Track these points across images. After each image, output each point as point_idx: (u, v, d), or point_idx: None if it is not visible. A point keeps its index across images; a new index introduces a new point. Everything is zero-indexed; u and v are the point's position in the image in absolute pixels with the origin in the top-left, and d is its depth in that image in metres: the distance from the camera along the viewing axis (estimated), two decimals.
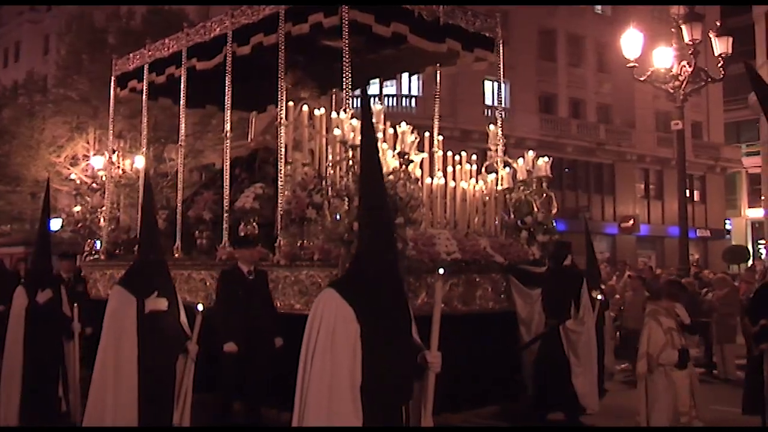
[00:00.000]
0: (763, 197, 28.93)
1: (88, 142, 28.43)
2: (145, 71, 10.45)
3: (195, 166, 28.70)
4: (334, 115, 8.48)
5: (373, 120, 4.90)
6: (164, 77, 10.08)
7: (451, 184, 8.73)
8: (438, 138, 9.26)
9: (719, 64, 14.97)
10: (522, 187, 8.74)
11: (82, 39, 28.73)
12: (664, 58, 15.23)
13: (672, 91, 15.38)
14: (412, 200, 7.45)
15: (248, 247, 7.74)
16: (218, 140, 27.10)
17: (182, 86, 9.77)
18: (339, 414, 3.96)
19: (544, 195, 8.74)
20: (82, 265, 10.45)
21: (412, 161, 7.69)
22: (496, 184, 8.91)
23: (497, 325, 8.23)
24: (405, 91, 30.58)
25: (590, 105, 36.17)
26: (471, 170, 8.94)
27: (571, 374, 8.05)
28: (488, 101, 30.90)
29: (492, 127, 9.10)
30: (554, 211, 8.76)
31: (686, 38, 14.93)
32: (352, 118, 7.62)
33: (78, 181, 22.42)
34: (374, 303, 4.07)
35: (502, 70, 9.31)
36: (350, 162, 7.49)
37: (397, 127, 7.73)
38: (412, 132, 7.59)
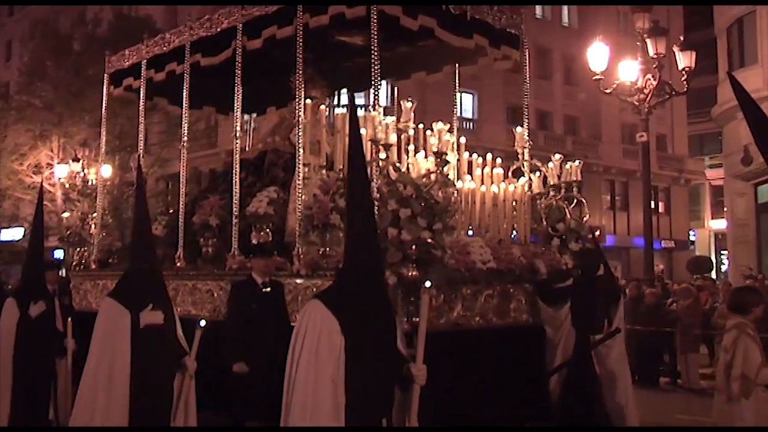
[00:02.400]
0: (725, 209, 28.96)
1: (52, 150, 27.36)
2: (142, 68, 9.56)
3: (162, 175, 27.80)
4: (353, 113, 7.80)
5: (360, 127, 4.79)
6: (164, 74, 9.21)
7: (482, 188, 8.03)
8: (461, 140, 8.58)
9: (683, 78, 15.17)
10: (553, 193, 8.10)
11: (46, 45, 27.73)
12: (630, 72, 15.38)
13: (637, 103, 15.48)
14: (450, 205, 6.78)
15: (264, 256, 6.96)
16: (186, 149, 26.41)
17: (185, 83, 8.91)
18: (322, 426, 3.94)
19: (575, 201, 8.13)
20: (72, 276, 9.52)
21: (448, 162, 7.00)
22: (527, 189, 8.25)
23: (531, 339, 7.57)
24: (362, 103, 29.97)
25: (557, 117, 35.94)
26: (499, 174, 8.27)
27: (602, 390, 7.42)
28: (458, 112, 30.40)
29: (519, 129, 8.46)
30: (586, 218, 8.15)
31: (651, 52, 15.14)
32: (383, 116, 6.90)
33: (67, 185, 21.35)
34: (360, 315, 4.02)
35: (527, 69, 8.70)
36: (381, 163, 6.77)
37: (433, 125, 7.02)
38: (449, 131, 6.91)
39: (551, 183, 8.10)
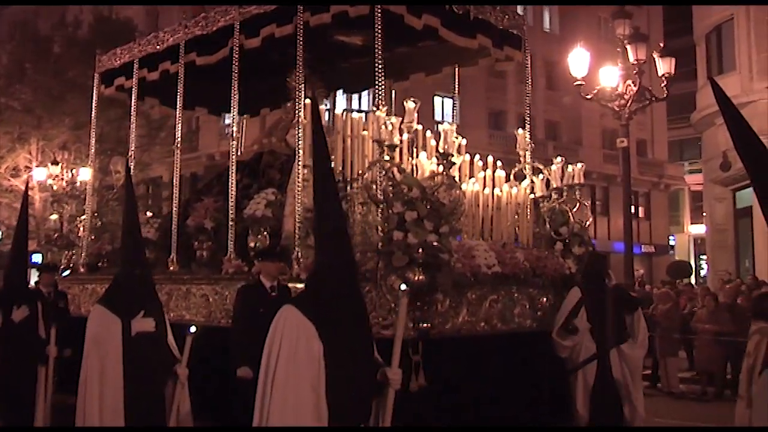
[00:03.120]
0: (704, 214, 29.10)
1: (30, 153, 26.87)
2: (135, 67, 9.27)
3: (142, 179, 27.41)
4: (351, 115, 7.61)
5: (324, 128, 4.45)
6: (157, 73, 8.93)
7: (485, 191, 7.84)
8: (462, 142, 8.40)
9: (663, 84, 15.17)
10: (556, 196, 7.93)
11: (26, 47, 27.21)
12: (610, 78, 15.30)
13: (618, 109, 15.47)
14: (457, 207, 6.58)
15: (272, 259, 6.74)
16: (167, 153, 26.03)
17: (180, 83, 8.64)
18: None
19: (578, 204, 7.97)
20: (59, 280, 9.22)
21: (454, 163, 6.81)
22: (529, 192, 8.07)
23: (535, 345, 7.39)
24: (355, 105, 29.78)
25: (539, 122, 35.87)
26: (501, 177, 8.08)
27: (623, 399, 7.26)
28: (437, 117, 30.36)
29: (520, 131, 8.30)
30: (588, 221, 7.99)
31: (631, 58, 15.08)
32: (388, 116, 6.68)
33: (55, 187, 20.94)
34: (335, 320, 3.90)
35: (529, 70, 8.55)
36: (386, 164, 6.55)
37: (439, 125, 6.82)
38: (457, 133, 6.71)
39: (554, 186, 7.93)
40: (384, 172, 6.55)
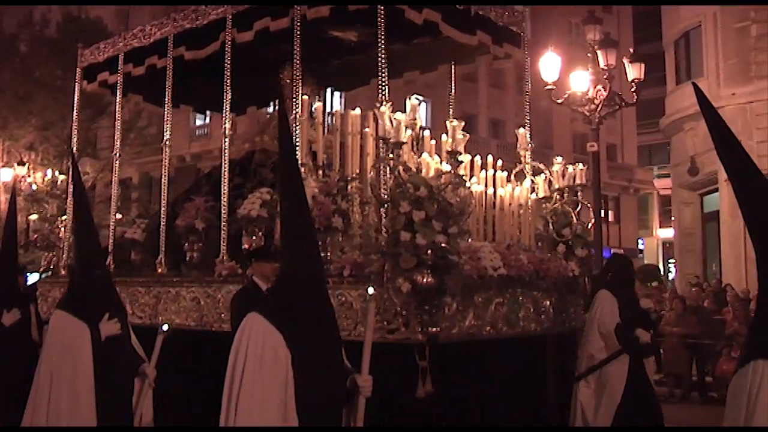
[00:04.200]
0: (673, 218, 29.24)
1: None
2: (120, 62, 8.83)
3: (111, 179, 26.77)
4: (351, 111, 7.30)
5: (290, 128, 4.71)
6: (143, 68, 8.51)
7: (489, 191, 7.56)
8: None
9: (632, 89, 15.16)
10: (559, 196, 7.69)
11: None
12: (581, 82, 15.25)
13: (588, 114, 15.40)
14: (465, 207, 6.30)
15: (267, 260, 6.35)
16: (135, 154, 25.51)
17: (168, 78, 8.24)
18: None
19: (580, 206, 7.74)
20: (39, 283, 8.75)
21: (461, 162, 6.53)
22: (531, 193, 7.82)
23: (540, 349, 7.16)
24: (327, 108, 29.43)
25: (510, 126, 35.76)
26: (503, 177, 7.82)
27: None
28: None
29: (521, 130, 8.05)
30: (591, 223, 7.77)
31: (602, 63, 15.06)
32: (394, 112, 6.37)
33: (34, 187, 20.33)
34: (303, 327, 3.76)
35: (529, 67, 8.31)
36: (392, 162, 6.23)
37: (448, 122, 6.54)
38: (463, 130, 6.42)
39: (557, 186, 7.69)
40: (389, 171, 6.23)
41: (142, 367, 5.51)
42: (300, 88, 7.24)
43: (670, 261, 38.83)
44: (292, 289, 3.84)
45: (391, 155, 6.21)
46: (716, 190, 22.89)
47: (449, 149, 6.24)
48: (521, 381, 6.74)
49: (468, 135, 6.38)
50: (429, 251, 5.83)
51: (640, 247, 41.24)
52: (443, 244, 5.88)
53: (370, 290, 4.34)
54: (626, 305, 6.90)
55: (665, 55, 25.70)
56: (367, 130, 7.07)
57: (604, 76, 15.15)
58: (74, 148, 9.36)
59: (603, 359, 6.86)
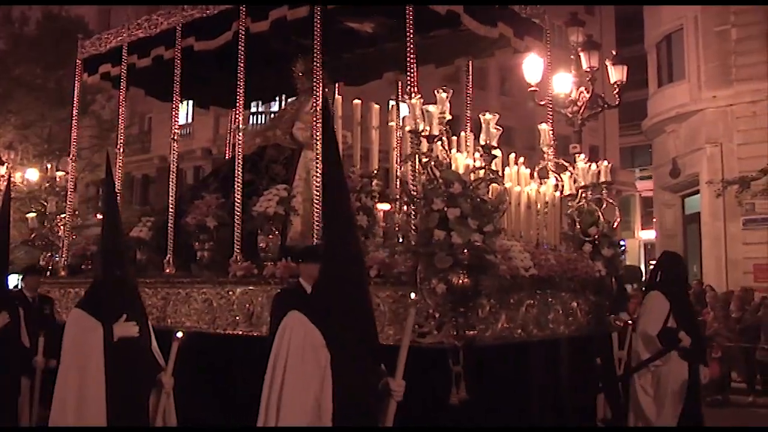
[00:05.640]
0: (654, 219, 29.23)
1: None
2: (124, 53, 8.34)
3: (92, 180, 26.23)
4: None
5: (335, 124, 4.41)
6: (149, 60, 8.04)
7: (516, 188, 7.20)
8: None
9: (615, 92, 15.01)
10: (584, 195, 7.36)
11: None
12: (564, 84, 15.09)
13: (570, 115, 15.24)
14: (500, 204, 5.95)
15: (316, 261, 5.91)
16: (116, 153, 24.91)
17: (177, 69, 7.77)
18: None
19: (605, 204, 7.42)
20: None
21: (496, 156, 6.17)
22: (555, 190, 7.47)
23: (570, 352, 6.81)
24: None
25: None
26: (526, 174, 7.47)
27: None
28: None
29: (544, 126, 7.72)
30: (617, 222, 7.46)
31: (584, 66, 14.89)
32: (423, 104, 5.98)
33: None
34: (343, 327, 3.69)
35: (548, 61, 8.00)
36: (425, 157, 5.85)
37: (481, 116, 6.17)
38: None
39: (582, 184, 7.36)
40: (421, 166, 5.84)
41: (159, 375, 5.30)
42: (320, 80, 6.81)
43: (651, 263, 38.83)
44: (334, 289, 3.74)
45: (423, 149, 5.82)
46: (697, 192, 22.90)
47: (483, 143, 5.84)
48: (555, 385, 6.40)
49: (501, 129, 5.98)
50: (465, 251, 5.47)
51: (622, 248, 41.05)
52: (479, 243, 5.53)
53: (413, 295, 4.32)
54: (678, 308, 6.56)
55: (647, 58, 25.65)
56: (391, 123, 6.68)
57: (587, 79, 14.95)
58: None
59: (647, 358, 6.53)
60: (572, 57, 15.56)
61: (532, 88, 14.69)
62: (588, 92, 15.12)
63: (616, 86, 15.17)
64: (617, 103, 15.66)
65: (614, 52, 16.09)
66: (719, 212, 21.64)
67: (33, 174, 23.01)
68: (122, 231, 5.92)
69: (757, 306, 15.18)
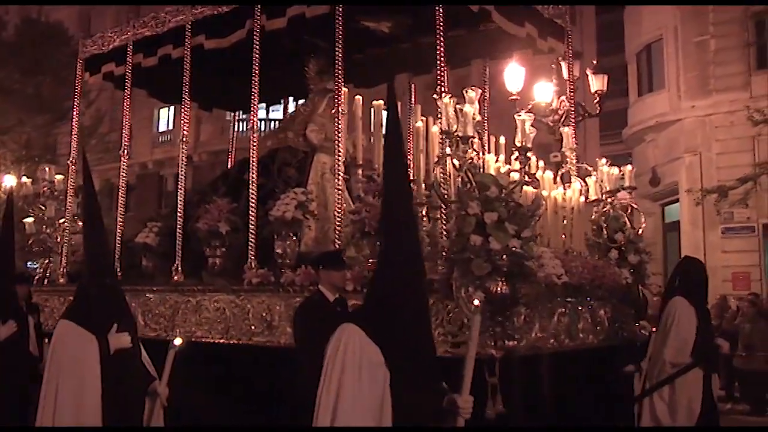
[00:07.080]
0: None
1: None
2: (129, 52, 7.91)
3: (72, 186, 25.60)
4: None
5: (400, 125, 3.76)
6: (156, 59, 7.62)
7: (543, 193, 6.89)
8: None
9: (596, 101, 14.83)
10: (610, 200, 7.08)
11: None
12: (545, 93, 14.90)
13: (551, 124, 15.07)
14: (537, 208, 5.64)
15: (338, 268, 5.50)
16: (96, 160, 24.36)
17: (186, 69, 7.35)
18: None
19: (630, 209, 7.15)
20: (34, 292, 7.81)
21: (530, 159, 5.87)
22: (580, 195, 7.18)
23: (600, 361, 6.50)
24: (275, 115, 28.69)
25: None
26: (550, 179, 7.17)
27: None
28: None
29: (566, 129, 7.45)
30: (642, 227, 7.19)
31: (565, 75, 14.74)
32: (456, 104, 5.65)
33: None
34: (402, 342, 3.32)
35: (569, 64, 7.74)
36: (460, 159, 5.51)
37: (516, 116, 5.86)
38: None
39: (608, 189, 7.08)
40: (455, 169, 5.51)
41: (152, 385, 4.96)
42: (341, 79, 6.46)
43: None
44: (391, 299, 3.34)
45: (457, 151, 5.49)
46: (677, 200, 22.88)
47: (519, 144, 5.52)
48: (587, 396, 6.08)
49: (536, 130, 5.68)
50: (503, 256, 5.15)
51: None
52: (516, 249, 5.21)
53: (477, 301, 3.91)
54: (701, 314, 6.25)
55: (628, 67, 25.64)
56: (419, 124, 6.35)
57: (568, 87, 15.00)
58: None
59: (674, 372, 6.19)
60: (553, 66, 15.43)
61: (513, 97, 14.57)
62: (569, 101, 15.04)
63: (596, 95, 15.08)
64: (598, 112, 15.56)
65: (595, 62, 16.00)
66: (698, 221, 21.62)
67: (10, 180, 22.41)
68: (107, 238, 5.51)
69: (734, 314, 15.11)
